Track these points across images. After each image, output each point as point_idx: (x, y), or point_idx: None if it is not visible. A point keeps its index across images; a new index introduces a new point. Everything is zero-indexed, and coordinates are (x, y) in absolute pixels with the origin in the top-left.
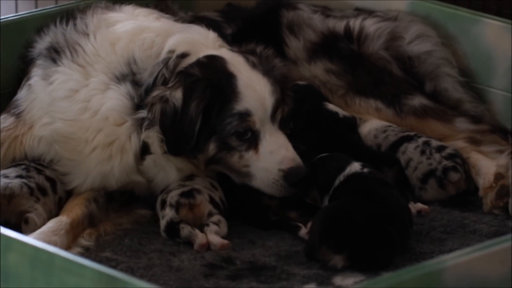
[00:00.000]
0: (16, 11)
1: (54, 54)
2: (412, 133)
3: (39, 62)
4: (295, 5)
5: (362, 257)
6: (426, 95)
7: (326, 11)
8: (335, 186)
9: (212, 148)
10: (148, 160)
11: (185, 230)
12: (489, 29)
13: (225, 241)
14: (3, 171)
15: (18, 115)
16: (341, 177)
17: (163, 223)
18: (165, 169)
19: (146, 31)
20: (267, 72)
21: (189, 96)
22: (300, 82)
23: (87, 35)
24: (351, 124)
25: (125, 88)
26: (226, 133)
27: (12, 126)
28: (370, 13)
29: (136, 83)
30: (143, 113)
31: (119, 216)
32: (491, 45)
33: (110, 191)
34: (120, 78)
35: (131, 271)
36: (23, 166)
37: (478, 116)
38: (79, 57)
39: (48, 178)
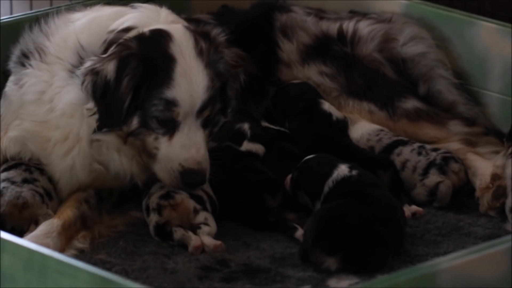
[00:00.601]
0: (11, 13)
1: (23, 58)
2: (405, 139)
3: (13, 69)
4: (289, 7)
5: (355, 259)
6: (419, 97)
7: (319, 13)
8: (325, 193)
9: (135, 122)
10: (94, 146)
11: (178, 233)
12: (484, 31)
13: (218, 242)
14: (4, 175)
15: None
16: (329, 183)
17: (151, 228)
18: (109, 152)
19: (98, 18)
20: (211, 63)
21: (122, 70)
22: (295, 81)
23: (49, 35)
24: (344, 127)
25: (77, 79)
26: (150, 113)
27: None
28: (364, 15)
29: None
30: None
31: (113, 218)
32: (486, 47)
33: (100, 191)
34: (73, 70)
35: (125, 273)
36: (23, 167)
37: (472, 119)
38: (46, 56)
39: (50, 179)
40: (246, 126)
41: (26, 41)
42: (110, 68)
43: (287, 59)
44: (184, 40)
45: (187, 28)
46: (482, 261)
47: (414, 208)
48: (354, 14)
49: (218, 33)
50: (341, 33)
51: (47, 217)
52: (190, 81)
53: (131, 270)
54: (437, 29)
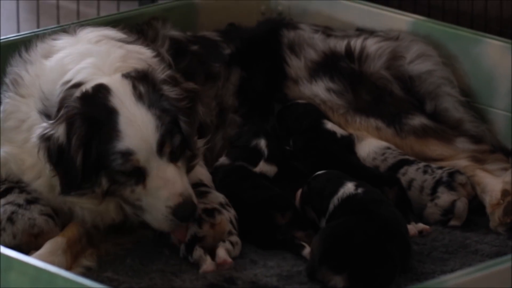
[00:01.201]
0: (18, 31)
1: (5, 86)
2: (411, 158)
3: (1, 95)
4: (296, 25)
5: (362, 277)
6: (426, 114)
7: (327, 31)
8: (330, 210)
9: (104, 182)
10: (56, 201)
11: (197, 252)
12: (491, 49)
13: (229, 259)
14: (3, 200)
15: None
16: (335, 201)
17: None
18: (71, 205)
19: (60, 62)
20: (153, 103)
21: (70, 131)
22: (300, 101)
23: (27, 66)
24: (349, 144)
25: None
26: (112, 169)
27: None
28: (371, 33)
29: (48, 117)
30: None
31: (120, 235)
32: (493, 65)
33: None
34: (40, 115)
35: None
36: (17, 190)
37: (478, 136)
38: (21, 89)
39: None
40: (263, 144)
41: (9, 69)
42: (60, 132)
43: (294, 76)
44: (122, 90)
45: (125, 76)
46: (489, 279)
47: (421, 226)
48: (361, 32)
49: (159, 70)
50: (348, 50)
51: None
52: (138, 127)
53: None
54: (443, 47)
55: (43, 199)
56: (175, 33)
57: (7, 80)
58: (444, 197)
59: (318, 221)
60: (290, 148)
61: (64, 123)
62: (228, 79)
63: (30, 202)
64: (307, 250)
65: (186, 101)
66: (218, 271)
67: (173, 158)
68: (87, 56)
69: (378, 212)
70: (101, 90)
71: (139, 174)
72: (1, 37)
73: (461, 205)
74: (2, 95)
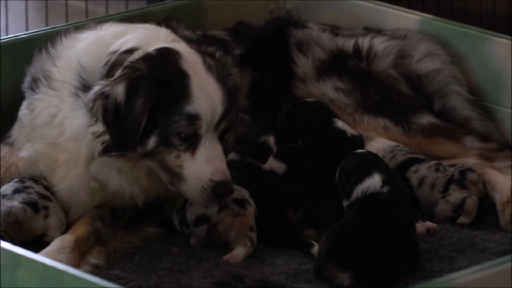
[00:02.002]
0: (27, 29)
1: (33, 84)
2: (421, 156)
3: (25, 94)
4: (304, 23)
5: (369, 275)
6: (434, 113)
7: (334, 30)
8: (353, 199)
9: (152, 142)
10: (94, 165)
11: (199, 231)
12: (499, 48)
13: (238, 260)
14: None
15: (11, 144)
16: (359, 192)
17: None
18: (109, 172)
19: (99, 39)
20: (221, 78)
21: (134, 92)
22: (309, 99)
23: (55, 60)
24: (359, 144)
25: (81, 100)
26: (171, 130)
27: (8, 155)
28: (378, 31)
29: (87, 88)
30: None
31: (128, 234)
32: (501, 63)
33: (114, 208)
34: (76, 93)
35: None
36: (16, 179)
37: (486, 135)
38: (53, 82)
39: (47, 187)
40: (271, 140)
41: (36, 65)
42: (120, 91)
43: (302, 75)
44: (193, 56)
45: (191, 46)
46: (497, 277)
47: (428, 224)
48: (369, 30)
49: (223, 55)
50: (356, 49)
51: (50, 231)
52: (208, 93)
53: (146, 285)
54: (452, 45)
55: (64, 202)
56: (188, 33)
57: (33, 77)
58: (456, 194)
59: (344, 199)
60: (299, 146)
61: (124, 82)
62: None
63: (16, 191)
64: (316, 248)
65: (241, 88)
66: (225, 269)
67: (220, 136)
68: (129, 32)
69: (392, 213)
70: (170, 53)
71: (192, 141)
72: (10, 36)
73: (471, 202)
74: (27, 93)
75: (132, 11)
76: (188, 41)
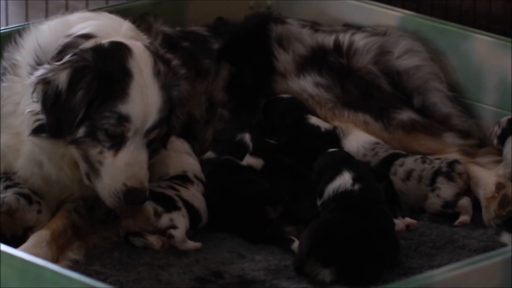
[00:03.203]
0: (7, 24)
1: (2, 72)
2: (404, 153)
3: None
4: (284, 19)
5: (350, 272)
6: (414, 109)
7: (314, 26)
8: (325, 199)
9: (81, 131)
10: (27, 147)
11: (138, 242)
12: (479, 44)
13: (197, 244)
14: None
15: None
16: (330, 191)
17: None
18: (40, 155)
19: (63, 21)
20: (166, 86)
21: (76, 82)
22: (284, 96)
23: (21, 47)
24: (334, 139)
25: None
26: (100, 125)
27: None
28: (358, 28)
29: (40, 66)
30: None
31: (107, 228)
32: (481, 60)
33: (87, 200)
34: (31, 72)
35: (120, 284)
36: (2, 178)
37: (466, 131)
38: (18, 69)
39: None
40: (247, 138)
41: (4, 55)
42: (62, 79)
43: (283, 70)
44: (144, 57)
45: (147, 47)
46: (477, 274)
47: (408, 220)
48: (349, 27)
49: (179, 65)
50: (337, 45)
51: (39, 225)
52: (145, 98)
53: (126, 281)
54: (432, 42)
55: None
56: (166, 28)
57: (2, 66)
58: (445, 188)
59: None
60: (275, 142)
61: (68, 70)
62: (217, 75)
63: (8, 187)
64: (296, 244)
65: (187, 101)
66: (205, 265)
67: (148, 144)
68: (94, 19)
69: (369, 210)
70: (121, 48)
71: (118, 141)
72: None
73: (466, 202)
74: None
75: (112, 6)
76: (166, 37)
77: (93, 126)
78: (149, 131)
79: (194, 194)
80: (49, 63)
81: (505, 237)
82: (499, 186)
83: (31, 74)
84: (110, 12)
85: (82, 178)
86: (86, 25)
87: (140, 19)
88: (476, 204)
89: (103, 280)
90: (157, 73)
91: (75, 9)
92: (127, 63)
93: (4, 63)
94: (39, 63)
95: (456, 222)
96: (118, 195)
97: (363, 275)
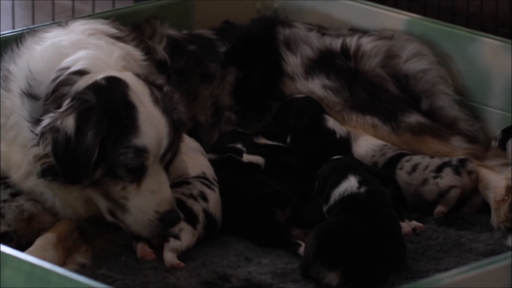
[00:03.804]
0: (13, 27)
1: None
2: (411, 153)
3: None
4: (290, 23)
5: (356, 274)
6: (422, 113)
7: (321, 30)
8: (331, 203)
9: (99, 173)
10: (30, 181)
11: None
12: (486, 48)
13: (177, 262)
14: None
15: None
16: (336, 195)
17: None
18: (44, 190)
19: (54, 47)
20: (167, 111)
21: (84, 124)
22: (299, 96)
23: (16, 59)
24: (346, 147)
25: (25, 106)
26: (118, 162)
27: None
28: (365, 32)
29: (33, 97)
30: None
31: (113, 231)
32: (488, 63)
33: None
34: (21, 95)
35: None
36: (2, 186)
37: (473, 135)
38: (8, 82)
39: None
40: (239, 145)
41: (2, 63)
42: (70, 124)
43: (291, 72)
44: (140, 88)
45: (138, 76)
46: (484, 278)
47: (414, 223)
48: (355, 31)
49: (171, 90)
50: (344, 48)
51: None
52: (155, 127)
53: (133, 285)
54: (439, 45)
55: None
56: (172, 32)
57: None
58: (448, 178)
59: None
60: (282, 144)
61: (74, 114)
62: (224, 79)
63: (14, 195)
64: (303, 248)
65: (187, 123)
66: (212, 269)
67: (165, 166)
68: (84, 48)
69: (375, 212)
70: (118, 83)
71: (138, 173)
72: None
73: (454, 192)
74: None
75: (119, 10)
76: (172, 40)
77: (111, 165)
78: (163, 156)
79: (218, 201)
80: (46, 105)
81: (511, 241)
82: (509, 189)
83: (22, 98)
84: (115, 16)
85: (92, 213)
86: (76, 58)
87: (145, 23)
88: (483, 208)
89: (110, 284)
90: (155, 101)
91: (81, 13)
92: (129, 97)
93: (1, 72)
94: (31, 93)
95: (435, 212)
96: (154, 223)
97: (369, 278)
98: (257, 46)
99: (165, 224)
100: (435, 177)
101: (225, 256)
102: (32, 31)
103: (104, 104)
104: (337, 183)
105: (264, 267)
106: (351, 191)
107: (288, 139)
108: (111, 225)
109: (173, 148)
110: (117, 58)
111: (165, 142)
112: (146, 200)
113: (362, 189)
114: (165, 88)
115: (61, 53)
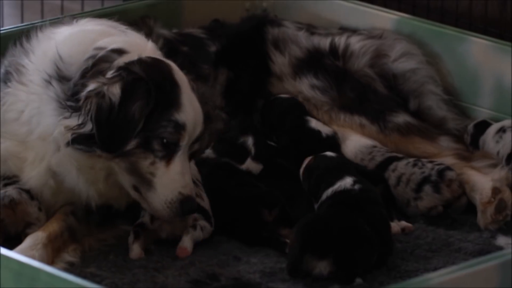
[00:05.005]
0: (2, 25)
1: (6, 76)
2: (399, 155)
3: None
4: (280, 22)
5: (348, 259)
6: (410, 112)
7: (310, 29)
8: (323, 199)
9: (133, 143)
10: (56, 157)
11: (164, 232)
12: (475, 47)
13: (188, 251)
14: None
15: None
16: (328, 192)
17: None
18: (69, 167)
19: (83, 32)
20: (201, 101)
21: (130, 95)
22: (283, 95)
23: (29, 53)
24: (334, 144)
25: (52, 90)
26: (156, 135)
27: None
28: (354, 31)
29: (63, 78)
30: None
31: (103, 231)
32: (477, 63)
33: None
34: (47, 81)
35: (115, 286)
36: (1, 178)
37: (461, 135)
38: (23, 76)
39: None
40: (250, 142)
41: (9, 59)
42: (116, 91)
43: (279, 72)
44: (181, 73)
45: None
46: (473, 277)
47: (403, 223)
48: (344, 30)
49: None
50: (333, 48)
51: (38, 223)
52: (194, 109)
53: (121, 283)
54: (428, 45)
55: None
56: (164, 31)
57: (6, 70)
58: (427, 200)
59: (316, 201)
60: (275, 145)
61: (120, 83)
62: (216, 80)
63: (7, 184)
64: None
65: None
66: (201, 268)
67: (190, 157)
68: (110, 35)
69: (365, 209)
70: (162, 63)
71: (170, 151)
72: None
73: (435, 211)
74: (1, 87)
75: (107, 8)
76: (166, 41)
77: (148, 137)
78: (194, 142)
79: (208, 201)
80: (81, 80)
81: (500, 240)
82: (495, 191)
83: (48, 82)
84: (105, 14)
85: (112, 193)
86: (113, 39)
87: (141, 22)
88: (472, 208)
89: (99, 283)
90: (192, 88)
91: (70, 11)
92: (173, 76)
93: (8, 67)
94: (61, 75)
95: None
96: (174, 204)
97: (356, 261)
98: (247, 46)
99: (185, 208)
100: (415, 199)
101: (214, 255)
102: (40, 27)
103: (152, 77)
104: (332, 183)
105: (253, 266)
106: (345, 187)
107: (274, 139)
108: (100, 224)
109: (203, 138)
110: (152, 46)
111: (199, 127)
112: (173, 179)
113: (356, 186)
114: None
115: (92, 38)
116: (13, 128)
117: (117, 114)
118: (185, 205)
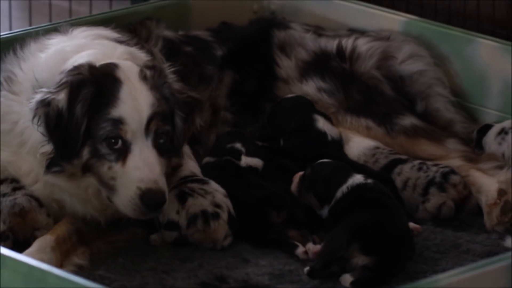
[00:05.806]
0: (10, 29)
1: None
2: (404, 157)
3: None
4: (287, 24)
5: (388, 266)
6: (417, 115)
7: (318, 31)
8: (338, 198)
9: (85, 152)
10: (46, 187)
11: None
12: (483, 49)
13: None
14: None
15: None
16: (344, 189)
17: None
18: (61, 194)
19: (59, 53)
20: (155, 87)
21: (75, 96)
22: (289, 95)
23: (21, 63)
24: (338, 148)
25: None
26: (99, 138)
27: None
28: (362, 33)
29: None
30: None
31: (112, 233)
32: (485, 64)
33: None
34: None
35: None
36: (9, 180)
37: (468, 138)
38: (14, 86)
39: None
40: (238, 145)
41: (3, 66)
42: (61, 97)
43: (285, 76)
44: (129, 68)
45: (134, 62)
46: (481, 279)
47: (412, 225)
48: (352, 32)
49: (167, 66)
50: (340, 50)
51: (48, 228)
52: (135, 99)
53: (130, 286)
54: (435, 47)
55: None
56: (168, 33)
57: (0, 78)
58: (434, 199)
59: (320, 208)
60: (278, 146)
61: (67, 89)
62: (221, 81)
63: (15, 189)
64: (300, 249)
65: (186, 97)
66: (209, 270)
67: (159, 148)
68: (88, 48)
69: (387, 204)
70: (109, 65)
71: (121, 151)
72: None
73: (446, 210)
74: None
75: (116, 11)
76: (168, 41)
77: (94, 142)
78: (147, 127)
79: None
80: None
81: (509, 242)
82: (501, 193)
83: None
84: (113, 17)
85: (109, 205)
86: (81, 56)
87: (140, 24)
88: (480, 209)
89: (108, 285)
90: (144, 78)
91: (78, 14)
92: (115, 73)
93: (2, 75)
94: None
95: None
96: (134, 201)
97: (398, 268)
98: (252, 50)
99: (145, 202)
100: (423, 202)
101: (222, 257)
102: (34, 35)
103: (93, 77)
104: (344, 181)
105: (262, 268)
106: (359, 182)
107: (281, 142)
108: (109, 227)
109: (160, 121)
110: (121, 52)
111: (145, 112)
112: (129, 177)
113: (369, 180)
114: (160, 66)
115: (65, 58)
116: (7, 138)
117: (67, 119)
118: (145, 200)
